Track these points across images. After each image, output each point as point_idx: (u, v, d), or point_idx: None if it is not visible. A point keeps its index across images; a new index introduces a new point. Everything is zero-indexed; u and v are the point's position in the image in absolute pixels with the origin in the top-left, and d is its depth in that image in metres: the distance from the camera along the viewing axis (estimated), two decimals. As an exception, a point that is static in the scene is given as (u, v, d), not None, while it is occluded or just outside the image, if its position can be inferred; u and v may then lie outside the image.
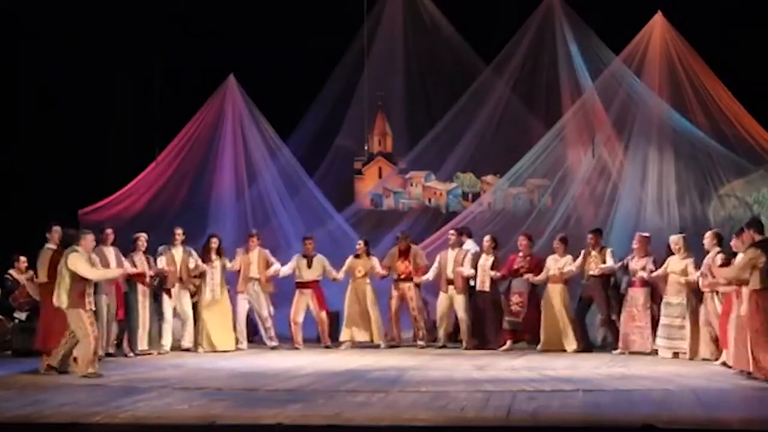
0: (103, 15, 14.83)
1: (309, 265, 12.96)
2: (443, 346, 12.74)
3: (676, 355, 11.25)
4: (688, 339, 11.14)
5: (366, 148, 16.12)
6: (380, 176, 16.26)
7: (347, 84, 15.45)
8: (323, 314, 13.04)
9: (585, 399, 7.87)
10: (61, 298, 9.67)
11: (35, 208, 13.91)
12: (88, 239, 9.97)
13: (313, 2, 14.77)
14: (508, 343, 12.44)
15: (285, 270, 13.03)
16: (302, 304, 13.02)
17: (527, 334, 12.55)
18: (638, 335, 11.76)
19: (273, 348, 12.74)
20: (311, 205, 15.10)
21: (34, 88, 14.93)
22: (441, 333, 12.95)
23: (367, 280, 13.03)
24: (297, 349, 12.75)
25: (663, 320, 11.43)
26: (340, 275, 13.08)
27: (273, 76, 14.97)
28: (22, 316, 12.45)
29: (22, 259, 12.67)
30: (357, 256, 13.08)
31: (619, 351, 11.78)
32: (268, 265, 13.00)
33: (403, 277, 13.00)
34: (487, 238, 12.88)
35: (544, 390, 8.30)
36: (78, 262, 9.68)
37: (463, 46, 15.30)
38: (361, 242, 13.23)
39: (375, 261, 13.11)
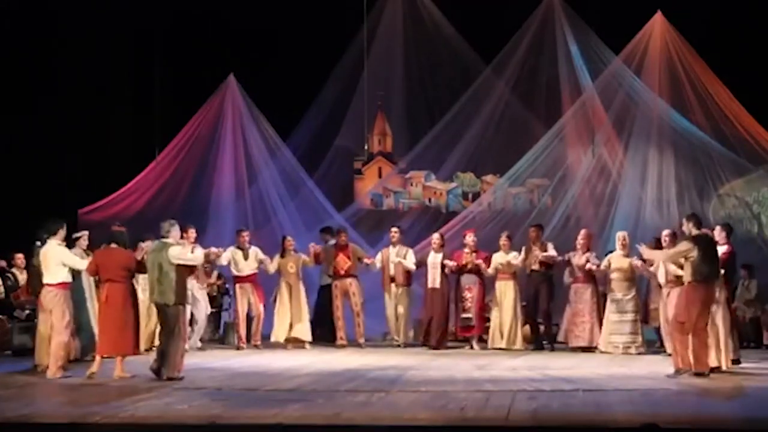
0: (103, 15, 14.84)
1: (245, 257, 12.58)
2: (399, 345, 12.68)
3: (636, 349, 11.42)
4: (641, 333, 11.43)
5: (366, 148, 16.13)
6: (380, 176, 16.28)
7: (347, 84, 15.45)
8: (261, 309, 12.59)
9: (585, 399, 7.86)
10: (167, 296, 9.20)
11: (35, 208, 13.90)
12: (178, 228, 9.65)
13: (313, 2, 14.77)
14: (474, 341, 12.42)
15: (222, 258, 12.21)
16: (244, 299, 12.61)
17: (477, 330, 12.46)
18: (583, 330, 11.82)
19: (196, 348, 12.13)
20: (311, 205, 15.09)
21: (33, 88, 14.92)
22: (393, 331, 12.85)
23: (300, 277, 12.78)
24: (241, 348, 12.45)
25: (613, 317, 11.52)
26: (272, 268, 12.65)
27: (273, 76, 14.98)
28: (22, 315, 12.43)
29: (18, 256, 12.65)
30: (283, 255, 12.72)
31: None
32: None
33: (343, 273, 12.76)
34: (435, 236, 12.84)
35: (544, 390, 8.30)
36: (182, 252, 9.44)
37: (463, 46, 15.31)
38: (289, 239, 12.87)
39: (302, 255, 12.79)
